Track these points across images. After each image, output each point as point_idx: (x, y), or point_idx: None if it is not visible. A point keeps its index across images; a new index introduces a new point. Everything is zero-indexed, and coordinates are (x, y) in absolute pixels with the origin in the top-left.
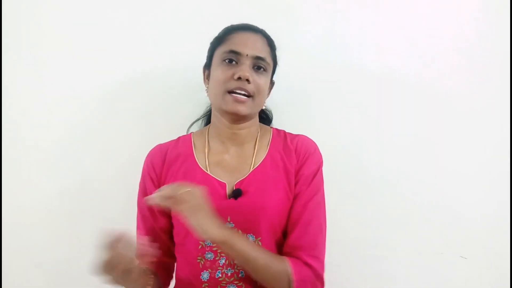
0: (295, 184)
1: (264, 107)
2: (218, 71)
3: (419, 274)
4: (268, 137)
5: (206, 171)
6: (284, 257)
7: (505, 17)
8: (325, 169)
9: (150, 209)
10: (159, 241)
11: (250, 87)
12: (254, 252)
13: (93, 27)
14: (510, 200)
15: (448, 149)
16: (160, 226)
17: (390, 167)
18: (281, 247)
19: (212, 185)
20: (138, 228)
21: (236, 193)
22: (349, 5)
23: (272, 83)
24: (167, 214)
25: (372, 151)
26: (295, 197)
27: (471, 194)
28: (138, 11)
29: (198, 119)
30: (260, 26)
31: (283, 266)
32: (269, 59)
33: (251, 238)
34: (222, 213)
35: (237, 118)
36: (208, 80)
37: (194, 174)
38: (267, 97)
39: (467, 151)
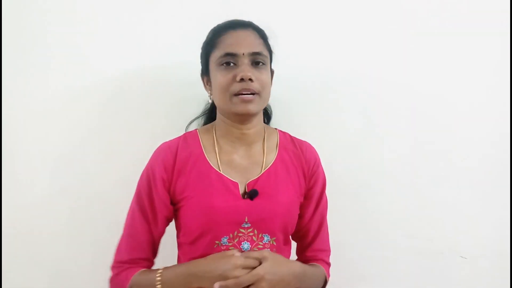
0: (310, 194)
1: None
2: (218, 76)
3: (419, 274)
4: (276, 138)
5: (218, 170)
6: (318, 264)
7: (505, 17)
8: (325, 169)
9: (154, 212)
10: (152, 246)
11: (254, 86)
12: (312, 271)
13: (92, 27)
14: (510, 200)
15: (448, 149)
16: (159, 230)
17: (390, 167)
18: (287, 246)
19: (225, 185)
20: (131, 227)
21: (253, 194)
22: (349, 6)
23: (272, 72)
24: (169, 219)
25: (372, 151)
26: (310, 206)
27: (471, 194)
28: (137, 8)
29: (198, 117)
30: (259, 25)
31: (323, 271)
32: (265, 52)
33: (266, 238)
34: (239, 213)
35: (247, 118)
36: (210, 86)
37: (208, 174)
38: (271, 87)
39: (467, 151)
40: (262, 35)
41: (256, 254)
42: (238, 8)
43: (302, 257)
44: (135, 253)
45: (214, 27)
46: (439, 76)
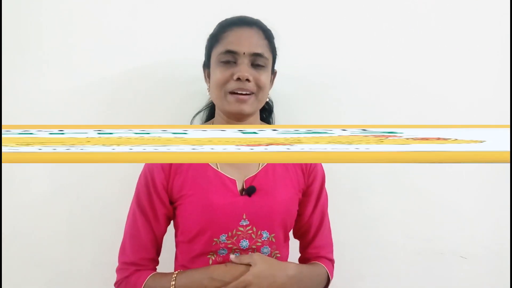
0: (309, 191)
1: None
2: (217, 73)
3: (419, 274)
4: None
5: (216, 168)
6: (318, 262)
7: (505, 17)
8: (325, 169)
9: (154, 211)
10: (155, 245)
11: (251, 86)
12: (310, 271)
13: (93, 25)
14: (510, 200)
15: None
16: (161, 229)
17: (390, 167)
18: (286, 242)
19: (223, 182)
20: (133, 228)
21: (250, 190)
22: (351, 4)
23: (274, 73)
24: (170, 218)
25: None
26: (310, 203)
27: (471, 194)
28: (139, 4)
29: (200, 111)
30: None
31: (324, 270)
32: (267, 53)
33: (265, 234)
34: (237, 210)
35: (241, 117)
36: (209, 79)
37: (205, 172)
38: (271, 87)
39: None
40: (267, 35)
41: (246, 259)
42: (240, 6)
43: (305, 254)
44: (140, 253)
45: (221, 21)
46: (440, 75)
